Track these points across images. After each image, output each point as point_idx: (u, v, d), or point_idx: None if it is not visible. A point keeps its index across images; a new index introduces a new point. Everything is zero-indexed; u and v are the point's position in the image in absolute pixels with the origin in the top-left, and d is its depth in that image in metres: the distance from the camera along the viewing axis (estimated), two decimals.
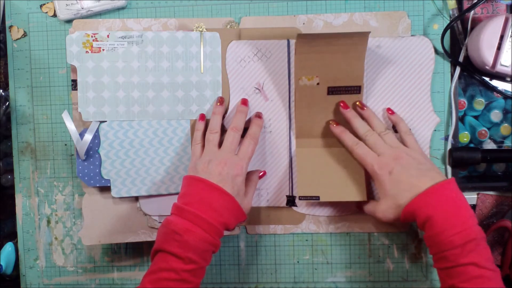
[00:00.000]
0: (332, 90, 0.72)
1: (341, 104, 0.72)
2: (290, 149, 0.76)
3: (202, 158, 0.69)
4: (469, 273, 0.59)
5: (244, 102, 0.74)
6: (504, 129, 0.76)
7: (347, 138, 0.71)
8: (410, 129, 0.72)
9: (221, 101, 0.74)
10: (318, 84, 0.71)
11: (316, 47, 0.68)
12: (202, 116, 0.75)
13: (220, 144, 0.71)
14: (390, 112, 0.74)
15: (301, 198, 0.74)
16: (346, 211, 0.77)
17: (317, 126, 0.74)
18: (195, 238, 0.62)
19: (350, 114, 0.72)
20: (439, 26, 0.76)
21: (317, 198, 0.73)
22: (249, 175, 0.73)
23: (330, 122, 0.73)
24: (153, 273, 0.62)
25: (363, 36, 0.68)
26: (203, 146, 0.72)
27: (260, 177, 0.75)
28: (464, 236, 0.60)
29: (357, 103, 0.72)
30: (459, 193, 0.63)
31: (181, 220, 0.63)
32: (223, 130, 0.74)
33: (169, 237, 0.63)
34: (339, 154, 0.74)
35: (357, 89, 0.72)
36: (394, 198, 0.65)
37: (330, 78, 0.71)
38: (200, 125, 0.74)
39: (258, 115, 0.74)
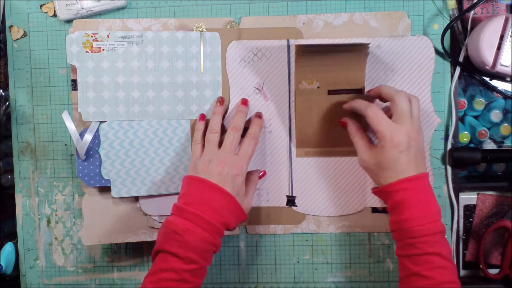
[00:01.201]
0: (332, 93, 0.72)
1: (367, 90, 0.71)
2: (290, 149, 0.76)
3: (202, 158, 0.69)
4: (433, 262, 0.61)
5: (244, 102, 0.74)
6: (504, 129, 0.76)
7: (359, 101, 0.69)
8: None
9: (221, 101, 0.74)
10: (318, 87, 0.71)
11: (315, 58, 0.69)
12: (202, 116, 0.75)
13: (220, 144, 0.71)
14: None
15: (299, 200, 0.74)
16: (346, 211, 0.77)
17: (317, 133, 0.74)
18: (196, 238, 0.62)
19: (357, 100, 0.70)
20: (439, 26, 0.76)
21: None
22: (249, 175, 0.73)
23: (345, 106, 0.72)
24: (153, 273, 0.63)
25: (363, 48, 0.69)
26: (203, 146, 0.72)
27: (260, 177, 0.75)
28: (433, 227, 0.62)
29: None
30: (430, 187, 0.65)
31: (181, 220, 0.63)
32: (223, 130, 0.74)
33: (170, 237, 0.63)
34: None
35: (358, 92, 0.72)
36: (383, 169, 0.64)
37: (331, 84, 0.71)
38: (200, 125, 0.74)
39: (258, 115, 0.74)
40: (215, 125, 0.72)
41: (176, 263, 0.62)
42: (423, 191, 0.64)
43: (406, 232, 0.62)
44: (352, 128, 0.70)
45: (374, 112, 0.65)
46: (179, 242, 0.62)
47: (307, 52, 0.69)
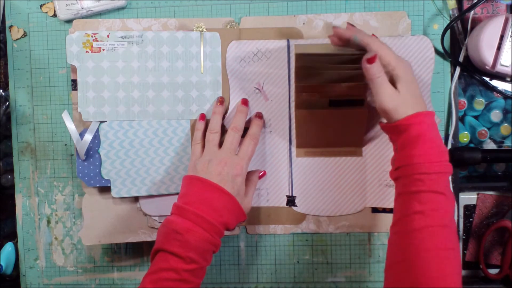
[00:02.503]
0: (333, 102, 0.71)
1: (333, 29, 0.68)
2: (290, 149, 0.76)
3: (202, 158, 0.69)
4: (439, 202, 0.58)
5: (244, 102, 0.74)
6: (504, 129, 0.76)
7: (359, 32, 0.66)
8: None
9: (221, 101, 0.75)
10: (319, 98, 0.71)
11: (315, 66, 0.68)
12: (203, 116, 0.75)
13: (220, 144, 0.71)
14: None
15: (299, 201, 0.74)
16: (346, 211, 0.77)
17: (317, 135, 0.74)
18: (196, 238, 0.62)
19: (345, 31, 0.67)
20: (439, 26, 0.76)
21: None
22: (249, 175, 0.73)
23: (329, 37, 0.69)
24: (153, 273, 0.62)
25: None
26: (203, 146, 0.72)
27: (260, 177, 0.75)
28: (443, 167, 0.60)
29: (346, 22, 0.70)
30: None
31: (181, 220, 0.63)
32: (223, 130, 0.74)
33: (170, 237, 0.63)
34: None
35: (360, 103, 0.71)
36: (411, 96, 0.62)
37: (332, 94, 0.70)
38: (200, 125, 0.74)
39: (258, 115, 0.74)
40: (215, 125, 0.72)
41: (176, 262, 0.62)
42: (436, 128, 0.62)
43: (416, 167, 0.59)
44: (378, 67, 0.63)
45: (378, 44, 0.64)
46: (179, 241, 0.62)
47: (306, 60, 0.68)
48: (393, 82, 0.63)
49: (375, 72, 0.63)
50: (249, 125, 0.73)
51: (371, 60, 0.63)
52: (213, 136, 0.71)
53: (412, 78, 0.64)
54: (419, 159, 0.59)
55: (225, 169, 0.67)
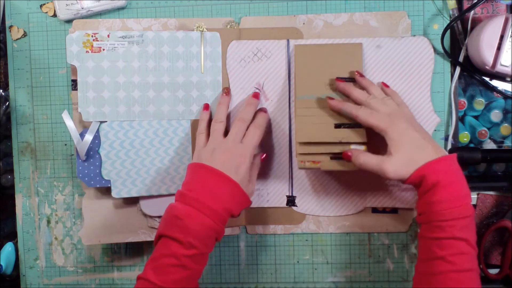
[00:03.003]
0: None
1: (336, 80, 0.70)
2: (290, 149, 0.76)
3: (207, 147, 0.69)
4: (460, 248, 0.59)
5: (256, 95, 0.74)
6: (504, 129, 0.76)
7: (347, 105, 0.67)
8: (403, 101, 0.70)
9: (227, 91, 0.74)
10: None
11: (314, 55, 0.69)
12: (207, 106, 0.75)
13: (225, 135, 0.70)
14: (385, 85, 0.72)
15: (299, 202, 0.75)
16: (346, 211, 0.77)
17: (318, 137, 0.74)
18: (196, 223, 0.62)
19: (346, 85, 0.69)
20: (439, 26, 0.76)
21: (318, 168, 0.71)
22: (253, 161, 0.72)
23: (328, 98, 0.70)
24: (155, 259, 0.63)
25: (356, 45, 0.71)
26: (208, 135, 0.72)
27: (262, 159, 0.74)
28: (463, 211, 0.60)
29: (356, 72, 0.71)
30: (461, 169, 0.63)
31: (182, 206, 0.63)
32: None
33: (171, 222, 0.63)
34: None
35: (353, 80, 0.72)
36: (409, 152, 0.62)
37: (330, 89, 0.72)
38: (205, 115, 0.74)
39: (264, 110, 0.74)
40: (220, 115, 0.72)
41: (176, 248, 0.62)
42: (456, 173, 0.62)
43: (435, 215, 0.60)
44: (360, 156, 0.66)
45: (363, 112, 0.65)
46: (179, 227, 0.62)
47: (305, 50, 0.69)
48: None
49: (358, 163, 0.65)
50: (254, 117, 0.72)
51: (346, 157, 0.67)
52: (218, 125, 0.71)
53: (410, 131, 0.63)
54: (437, 207, 0.60)
55: (229, 158, 0.67)
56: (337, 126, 0.70)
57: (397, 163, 0.63)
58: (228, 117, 0.75)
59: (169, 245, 0.62)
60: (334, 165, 0.69)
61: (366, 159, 0.65)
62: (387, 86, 0.72)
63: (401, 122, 0.64)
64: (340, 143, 0.69)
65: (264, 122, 0.72)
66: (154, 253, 0.64)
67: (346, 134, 0.69)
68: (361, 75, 0.71)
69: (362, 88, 0.70)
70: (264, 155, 0.75)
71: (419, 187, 0.63)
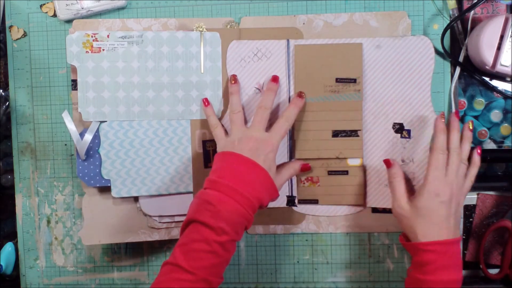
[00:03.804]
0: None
1: (455, 112, 0.70)
2: (290, 149, 0.76)
3: (231, 138, 0.69)
4: None
5: (275, 79, 0.73)
6: (504, 129, 0.76)
7: (441, 139, 0.67)
8: (475, 177, 0.69)
9: (234, 79, 0.74)
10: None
11: (314, 55, 0.70)
12: (207, 100, 0.74)
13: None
14: (479, 150, 0.70)
15: (300, 201, 0.75)
16: (346, 211, 0.77)
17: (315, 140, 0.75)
18: (228, 209, 0.62)
19: (455, 124, 0.68)
20: (439, 26, 0.76)
21: (316, 201, 0.75)
22: (291, 162, 0.73)
23: (440, 114, 0.69)
24: (184, 244, 0.62)
25: (356, 45, 0.72)
26: (223, 128, 0.72)
27: (303, 168, 0.74)
28: None
29: (470, 121, 0.70)
30: (460, 252, 0.65)
31: (214, 192, 0.63)
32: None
33: (202, 207, 0.62)
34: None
35: (353, 80, 0.73)
36: (419, 216, 0.64)
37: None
38: (210, 110, 0.74)
39: (300, 95, 0.73)
40: (236, 105, 0.71)
41: (207, 233, 0.61)
42: (453, 258, 0.63)
43: None
44: (397, 172, 0.68)
45: (438, 159, 0.66)
46: (211, 212, 0.62)
47: (305, 50, 0.69)
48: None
49: (390, 173, 0.69)
50: (289, 105, 0.72)
51: (387, 164, 0.70)
52: (237, 116, 0.70)
53: (442, 206, 0.64)
54: (426, 284, 0.62)
55: (255, 145, 0.66)
56: (335, 134, 0.73)
57: (408, 214, 0.66)
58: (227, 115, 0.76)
59: (199, 230, 0.62)
60: (332, 182, 0.75)
61: (398, 183, 0.68)
62: (479, 153, 0.70)
63: (442, 195, 0.64)
64: (337, 158, 0.74)
65: (294, 115, 0.71)
66: (183, 238, 0.63)
67: (343, 147, 0.74)
68: (471, 127, 0.70)
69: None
70: (305, 165, 0.74)
71: (414, 256, 0.65)
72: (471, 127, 0.70)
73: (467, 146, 0.69)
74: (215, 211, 0.62)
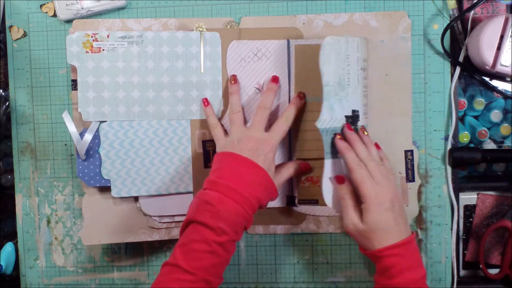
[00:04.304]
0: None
1: (346, 126, 0.71)
2: (290, 149, 0.76)
3: (231, 138, 0.69)
4: None
5: (275, 79, 0.73)
6: (504, 129, 0.76)
7: (351, 156, 0.68)
8: (391, 169, 0.71)
9: (234, 79, 0.74)
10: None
11: (314, 55, 0.70)
12: (207, 100, 0.74)
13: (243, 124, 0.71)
14: (377, 147, 0.71)
15: (300, 201, 0.75)
16: None
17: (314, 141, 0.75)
18: (227, 209, 0.62)
19: (353, 136, 0.70)
20: (439, 26, 0.76)
21: (316, 202, 0.74)
22: (291, 162, 0.73)
23: (337, 135, 0.70)
24: (184, 244, 0.62)
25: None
26: (223, 128, 0.72)
27: (303, 167, 0.74)
28: None
29: (361, 127, 0.72)
30: (417, 249, 0.66)
31: (213, 192, 0.63)
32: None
33: (201, 208, 0.63)
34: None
35: None
36: (372, 231, 0.65)
37: None
38: (209, 110, 0.74)
39: (299, 96, 0.73)
40: (235, 105, 0.72)
41: (207, 233, 0.61)
42: (412, 256, 0.64)
43: None
44: (347, 189, 0.68)
45: (361, 173, 0.66)
46: (210, 212, 0.62)
47: (305, 51, 0.69)
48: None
49: (341, 193, 0.68)
50: (288, 105, 0.72)
51: (339, 180, 0.69)
52: (237, 116, 0.71)
53: (386, 214, 0.64)
54: (390, 286, 0.63)
55: (255, 145, 0.66)
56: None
57: (361, 231, 0.66)
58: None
59: (199, 231, 0.62)
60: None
61: (348, 200, 0.67)
62: (379, 148, 0.72)
63: (388, 200, 0.65)
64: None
65: (293, 115, 0.71)
66: (183, 239, 0.63)
67: None
68: (365, 132, 0.71)
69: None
70: (305, 165, 0.74)
71: (377, 263, 0.65)
72: (365, 133, 0.71)
73: (372, 149, 0.70)
74: (214, 211, 0.62)
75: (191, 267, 0.60)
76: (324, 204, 0.71)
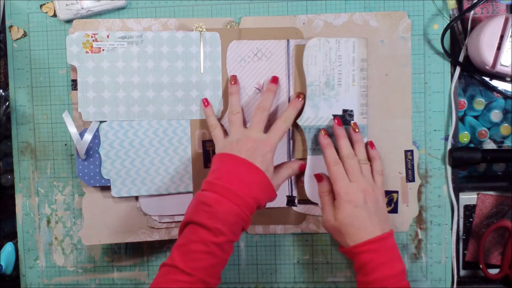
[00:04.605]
0: None
1: (336, 121, 0.72)
2: (289, 149, 0.76)
3: (229, 139, 0.69)
4: None
5: (274, 80, 0.73)
6: (504, 129, 0.76)
7: (330, 153, 0.70)
8: (383, 169, 0.71)
9: (234, 80, 0.74)
10: None
11: None
12: (207, 100, 0.74)
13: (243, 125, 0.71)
14: (371, 145, 0.72)
15: (300, 201, 0.75)
16: None
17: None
18: (225, 210, 0.62)
19: (340, 132, 0.71)
20: (439, 26, 0.76)
21: (316, 202, 0.74)
22: (290, 162, 0.74)
23: (322, 130, 0.72)
24: (182, 245, 0.62)
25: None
26: (222, 129, 0.72)
27: (301, 168, 0.74)
28: None
29: (352, 124, 0.72)
30: (395, 245, 0.66)
31: (211, 193, 0.64)
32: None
33: (199, 209, 0.63)
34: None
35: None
36: (343, 227, 0.66)
37: None
38: (209, 110, 0.74)
39: (298, 96, 0.73)
40: (235, 106, 0.72)
41: (205, 234, 0.62)
42: (388, 252, 0.65)
43: None
44: (325, 187, 0.70)
45: (335, 171, 0.68)
46: (208, 213, 0.62)
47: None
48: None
49: (319, 190, 0.71)
50: (288, 106, 0.73)
51: (318, 179, 0.72)
52: (236, 117, 0.71)
53: (358, 211, 0.66)
54: (371, 285, 0.63)
55: (253, 146, 0.67)
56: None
57: (335, 226, 0.67)
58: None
59: (196, 232, 0.62)
60: None
61: (325, 198, 0.69)
62: (373, 147, 0.72)
63: (359, 198, 0.66)
64: None
65: (293, 116, 0.72)
66: (180, 239, 0.63)
67: None
68: (356, 129, 0.72)
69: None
70: (303, 165, 0.74)
71: (353, 261, 0.66)
72: (356, 130, 0.71)
73: (359, 147, 0.70)
74: (212, 212, 0.62)
75: (189, 268, 0.61)
76: None
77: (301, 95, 0.73)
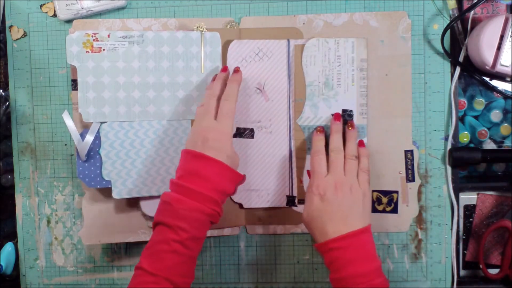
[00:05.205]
0: None
1: (334, 115, 0.72)
2: (290, 149, 0.76)
3: (190, 132, 0.70)
4: None
5: (224, 69, 0.73)
6: (504, 129, 0.76)
7: (315, 144, 0.70)
8: (369, 168, 0.70)
9: (237, 70, 0.73)
10: None
11: None
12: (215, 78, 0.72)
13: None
14: (360, 144, 0.72)
15: (300, 201, 0.75)
16: None
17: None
18: (185, 207, 0.63)
19: (334, 126, 0.71)
20: (439, 26, 0.76)
21: None
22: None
23: (317, 127, 0.73)
24: (149, 247, 0.64)
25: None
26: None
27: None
28: (372, 286, 0.62)
29: (349, 121, 0.72)
30: (368, 243, 0.65)
31: (173, 193, 0.64)
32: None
33: (162, 208, 0.64)
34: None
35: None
36: (312, 219, 0.66)
37: None
38: (215, 89, 0.71)
39: (236, 70, 0.72)
40: (229, 93, 0.69)
41: (168, 233, 0.62)
42: (357, 249, 0.63)
43: None
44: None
45: (314, 161, 0.69)
46: (169, 211, 0.63)
47: None
48: None
49: (308, 184, 0.70)
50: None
51: (309, 175, 0.73)
52: (199, 109, 0.70)
53: (322, 202, 0.65)
54: (342, 282, 0.62)
55: (206, 136, 0.66)
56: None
57: (305, 224, 0.68)
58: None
59: (162, 231, 0.63)
60: None
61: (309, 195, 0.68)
62: (363, 145, 0.72)
63: (330, 191, 0.66)
64: None
65: (235, 91, 0.69)
66: (149, 241, 0.64)
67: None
68: (352, 126, 0.72)
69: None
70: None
71: (324, 258, 0.65)
72: (351, 128, 0.72)
73: (351, 144, 0.70)
74: (172, 210, 0.63)
75: (154, 268, 0.62)
76: None
77: (238, 68, 0.73)
